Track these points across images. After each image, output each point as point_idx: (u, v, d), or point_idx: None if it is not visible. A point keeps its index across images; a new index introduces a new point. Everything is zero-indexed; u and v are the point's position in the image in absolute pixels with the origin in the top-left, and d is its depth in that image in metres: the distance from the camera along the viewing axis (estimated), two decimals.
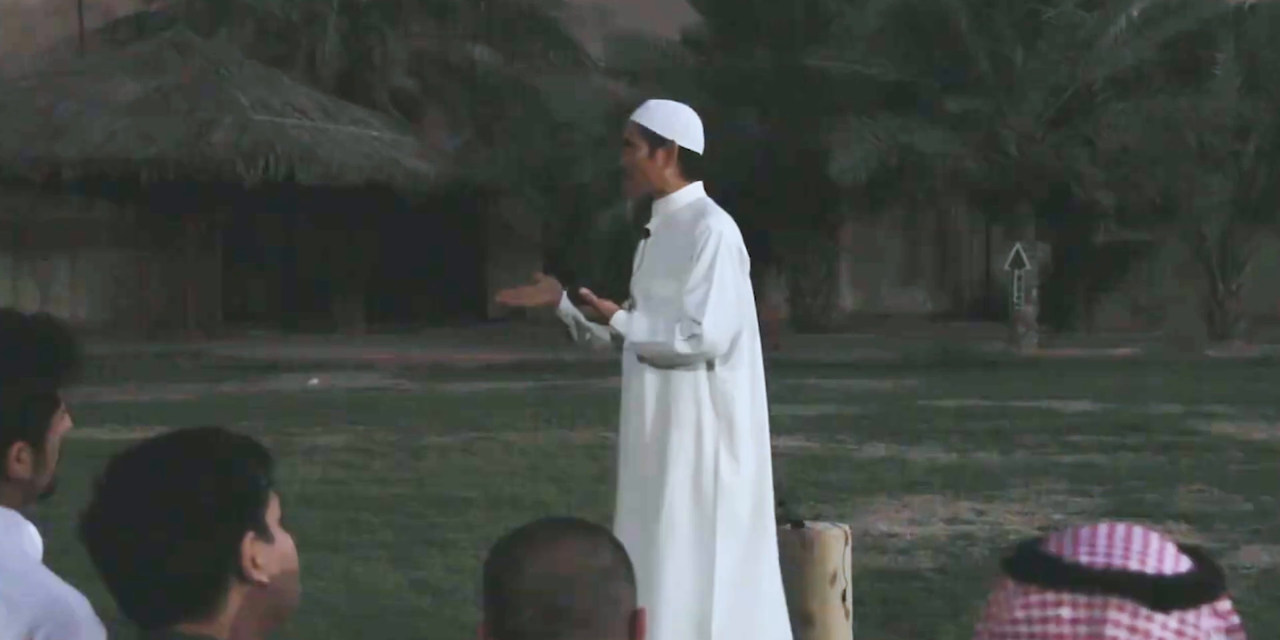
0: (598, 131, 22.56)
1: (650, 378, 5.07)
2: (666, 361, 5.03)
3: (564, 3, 27.77)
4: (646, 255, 5.21)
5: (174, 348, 22.41)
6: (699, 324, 4.94)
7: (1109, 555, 1.66)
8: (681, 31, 25.31)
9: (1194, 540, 8.66)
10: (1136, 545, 1.67)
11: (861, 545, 7.53)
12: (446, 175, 24.91)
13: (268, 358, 20.98)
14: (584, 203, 22.73)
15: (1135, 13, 22.12)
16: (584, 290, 5.12)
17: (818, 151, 22.28)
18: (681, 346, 4.96)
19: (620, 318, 5.04)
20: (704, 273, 4.99)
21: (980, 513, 9.48)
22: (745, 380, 5.11)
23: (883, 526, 9.13)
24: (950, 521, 9.26)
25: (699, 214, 5.12)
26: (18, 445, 2.53)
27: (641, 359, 5.07)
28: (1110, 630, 1.62)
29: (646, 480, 5.05)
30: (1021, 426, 13.45)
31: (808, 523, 5.95)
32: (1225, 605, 1.68)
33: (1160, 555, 1.67)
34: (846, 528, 6.04)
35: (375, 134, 25.14)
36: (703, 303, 4.95)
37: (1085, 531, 1.70)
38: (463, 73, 27.83)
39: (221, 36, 27.14)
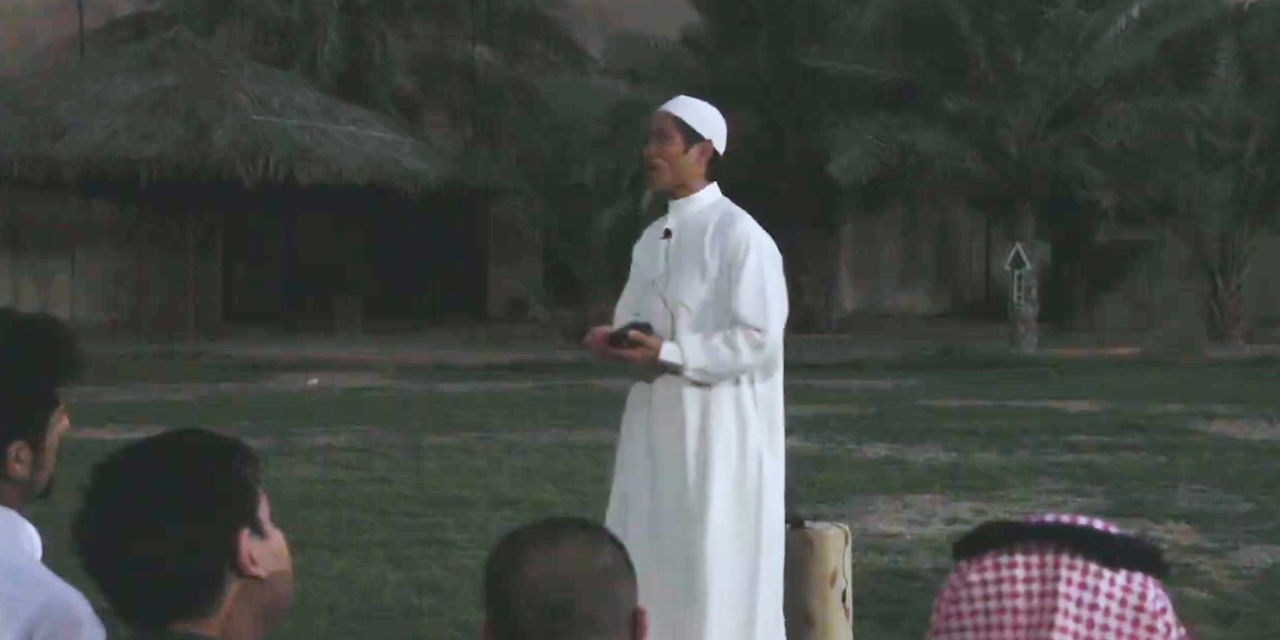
0: (598, 131, 22.57)
1: (690, 391, 4.98)
2: (729, 376, 4.95)
3: (564, 3, 27.78)
4: (673, 259, 5.10)
5: (174, 348, 22.40)
6: (762, 332, 4.91)
7: (1058, 519, 1.79)
8: (681, 31, 25.32)
9: (1194, 540, 8.66)
10: (1083, 517, 1.80)
11: (861, 545, 7.53)
12: (446, 175, 24.89)
13: (268, 358, 20.97)
14: (584, 203, 22.72)
15: (1135, 13, 22.14)
16: (635, 333, 4.95)
17: (818, 151, 22.30)
18: (748, 358, 4.92)
19: (670, 350, 4.92)
20: (755, 280, 4.95)
21: (980, 513, 9.47)
22: (780, 386, 5.12)
23: (883, 526, 9.13)
24: (950, 521, 9.25)
25: (728, 217, 5.07)
26: (16, 444, 2.53)
27: (701, 383, 4.96)
28: (1063, 587, 1.69)
29: (687, 485, 4.98)
30: (1021, 426, 13.45)
31: (808, 523, 5.94)
32: (1165, 594, 1.76)
33: (1106, 525, 1.77)
34: (846, 528, 6.03)
35: (375, 134, 25.14)
36: (762, 310, 4.92)
37: (1034, 516, 1.82)
38: (463, 73, 27.84)
39: (221, 36, 27.15)
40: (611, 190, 21.85)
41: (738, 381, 5.00)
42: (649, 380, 5.07)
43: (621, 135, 21.98)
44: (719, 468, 4.98)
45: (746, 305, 4.92)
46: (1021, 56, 22.05)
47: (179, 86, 24.20)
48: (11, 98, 24.66)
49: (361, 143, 24.63)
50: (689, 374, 4.93)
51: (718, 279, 4.98)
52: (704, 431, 4.99)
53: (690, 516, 4.99)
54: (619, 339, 4.97)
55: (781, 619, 5.19)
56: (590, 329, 5.15)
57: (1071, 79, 22.30)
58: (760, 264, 4.98)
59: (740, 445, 5.00)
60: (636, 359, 4.95)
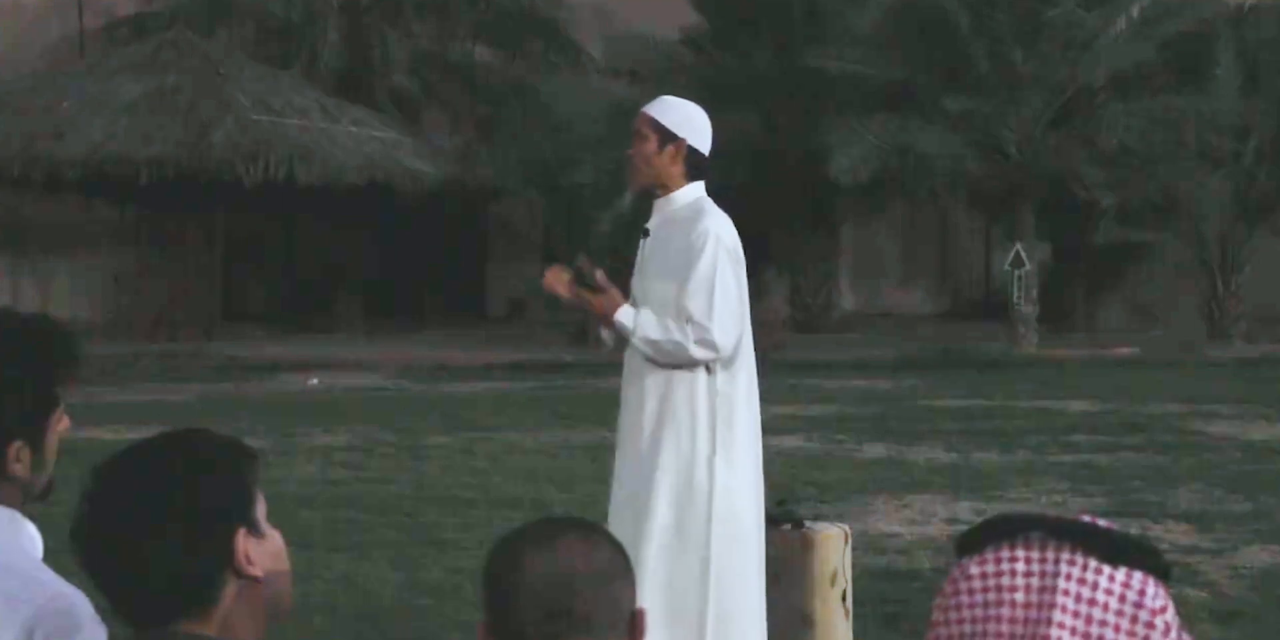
0: (598, 131, 22.55)
1: (651, 380, 5.05)
2: (674, 360, 5.00)
3: (564, 3, 27.77)
4: (646, 257, 5.19)
5: (174, 348, 22.40)
6: (709, 329, 4.96)
7: (1060, 517, 1.82)
8: (681, 31, 25.32)
9: (1194, 540, 8.66)
10: (1085, 516, 1.82)
11: (861, 545, 7.53)
12: (446, 175, 24.90)
13: (268, 358, 20.97)
14: (584, 203, 22.72)
15: (1135, 13, 22.12)
16: (600, 274, 5.06)
17: (818, 151, 22.29)
18: (695, 350, 4.97)
19: (627, 311, 5.03)
20: (706, 277, 4.98)
21: (980, 513, 9.46)
22: (744, 382, 5.13)
23: (883, 526, 9.14)
24: (950, 521, 9.25)
25: (697, 214, 5.11)
26: (16, 444, 2.53)
27: (649, 358, 5.04)
28: (1063, 582, 1.69)
29: (640, 480, 5.05)
30: (1021, 426, 13.45)
31: (808, 523, 5.94)
32: (1166, 593, 1.76)
33: (1109, 525, 1.79)
34: (846, 528, 6.04)
35: (375, 134, 25.14)
36: (709, 308, 4.96)
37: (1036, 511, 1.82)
38: (463, 73, 27.83)
39: (221, 36, 27.14)
40: (611, 190, 21.82)
41: (693, 378, 5.03)
42: (608, 342, 5.18)
43: (621, 135, 21.99)
44: (666, 464, 5.01)
45: (695, 300, 4.98)
46: (1021, 56, 22.04)
47: (179, 86, 24.19)
48: (11, 98, 24.66)
49: (361, 143, 24.62)
50: (635, 342, 5.02)
51: (677, 275, 5.04)
52: (656, 429, 5.04)
53: (637, 512, 5.01)
54: (584, 280, 5.08)
55: (763, 625, 5.16)
56: (555, 271, 5.22)
57: (1071, 79, 22.29)
58: (715, 260, 5.01)
59: (692, 444, 5.02)
60: (594, 305, 5.07)
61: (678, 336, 4.96)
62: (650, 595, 4.90)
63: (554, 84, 24.84)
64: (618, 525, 4.99)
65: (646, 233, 5.20)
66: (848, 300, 27.51)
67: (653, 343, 4.99)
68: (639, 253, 5.24)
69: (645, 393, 5.07)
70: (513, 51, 27.86)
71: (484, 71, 27.68)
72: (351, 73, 26.87)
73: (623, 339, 5.12)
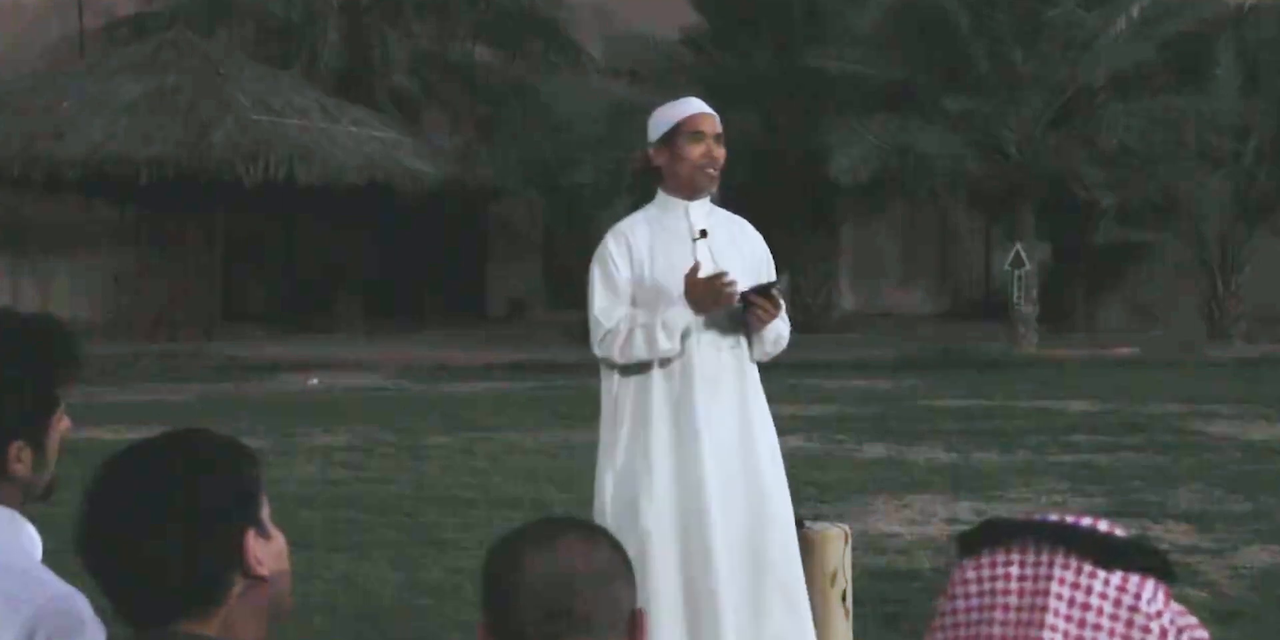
0: (598, 131, 22.56)
1: (750, 376, 5.07)
2: (774, 353, 5.12)
3: (564, 3, 27.79)
4: (718, 259, 5.06)
5: (174, 348, 22.40)
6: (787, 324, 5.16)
7: (1061, 518, 1.78)
8: (681, 31, 25.33)
9: (1194, 540, 8.66)
10: (1086, 519, 1.79)
11: (861, 545, 7.53)
12: (446, 175, 24.91)
13: (268, 358, 20.97)
14: (584, 203, 22.72)
15: (1135, 13, 22.12)
16: (776, 290, 5.02)
17: (818, 151, 22.29)
18: (785, 343, 5.16)
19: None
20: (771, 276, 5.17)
21: (980, 513, 9.47)
22: None
23: (883, 526, 9.13)
24: (950, 521, 9.25)
25: (737, 218, 5.23)
26: (17, 444, 2.53)
27: (766, 354, 5.11)
28: (1055, 586, 1.68)
29: (745, 479, 5.00)
30: (1021, 426, 13.44)
31: (808, 523, 5.94)
32: (1167, 596, 1.75)
33: (1110, 526, 1.77)
34: (846, 528, 6.03)
35: (375, 134, 25.15)
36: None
37: (1036, 515, 1.81)
38: (463, 73, 27.84)
39: (221, 36, 27.16)
40: (611, 190, 21.84)
41: (757, 371, 5.12)
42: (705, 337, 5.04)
43: (621, 135, 21.99)
44: (774, 456, 5.07)
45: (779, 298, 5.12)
46: (1021, 56, 22.04)
47: (179, 86, 24.20)
48: (11, 98, 24.67)
49: (361, 143, 24.63)
50: (780, 343, 5.08)
51: (759, 275, 5.11)
52: (748, 423, 5.03)
53: (764, 506, 5.02)
54: (761, 291, 4.97)
55: None
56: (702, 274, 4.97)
57: (1071, 79, 22.29)
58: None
59: (772, 427, 5.11)
60: (770, 313, 4.96)
61: (786, 331, 5.13)
62: (796, 577, 5.03)
63: (554, 84, 24.85)
64: (735, 536, 4.96)
65: (704, 234, 5.11)
66: (848, 300, 27.51)
67: (781, 338, 5.11)
68: (694, 255, 5.04)
69: (744, 390, 5.05)
70: (513, 51, 27.88)
71: (484, 71, 27.69)
72: (351, 73, 26.89)
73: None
